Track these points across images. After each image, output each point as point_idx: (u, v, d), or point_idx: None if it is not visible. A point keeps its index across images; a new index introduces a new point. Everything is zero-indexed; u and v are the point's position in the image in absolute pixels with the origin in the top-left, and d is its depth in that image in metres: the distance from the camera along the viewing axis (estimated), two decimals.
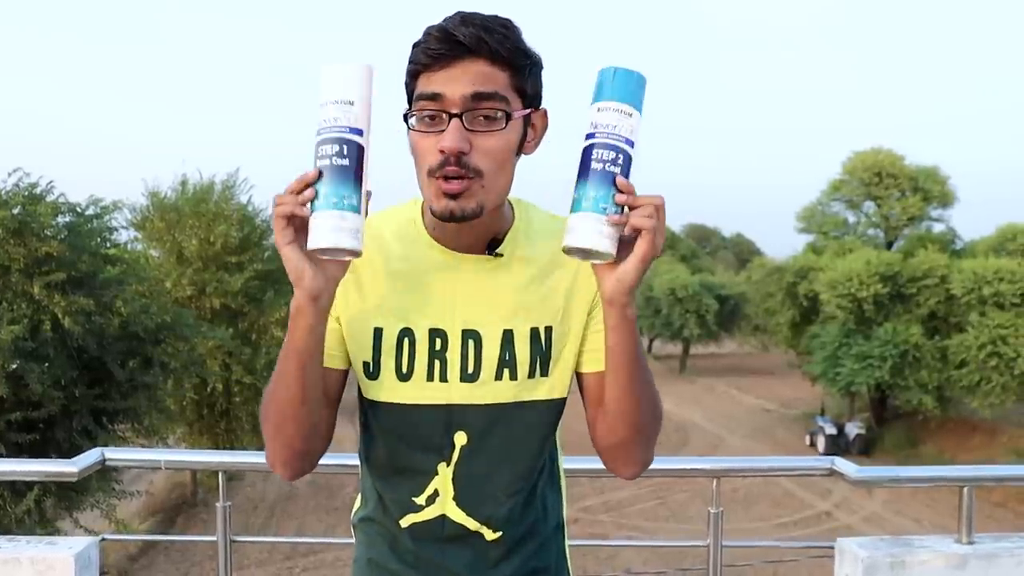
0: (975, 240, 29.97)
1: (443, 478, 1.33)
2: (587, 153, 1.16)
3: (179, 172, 19.64)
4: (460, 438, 1.32)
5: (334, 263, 1.16)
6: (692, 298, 39.92)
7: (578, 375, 1.38)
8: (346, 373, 1.36)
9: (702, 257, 55.95)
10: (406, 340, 1.32)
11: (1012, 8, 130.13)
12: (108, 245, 11.36)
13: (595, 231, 1.13)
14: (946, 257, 26.75)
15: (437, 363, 1.32)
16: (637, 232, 1.15)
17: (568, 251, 1.17)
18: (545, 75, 1.30)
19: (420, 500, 1.34)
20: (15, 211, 9.62)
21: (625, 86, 1.16)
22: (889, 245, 31.02)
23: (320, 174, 1.10)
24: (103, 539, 2.70)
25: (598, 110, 1.16)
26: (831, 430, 25.94)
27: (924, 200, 30.37)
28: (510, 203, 1.36)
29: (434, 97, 1.20)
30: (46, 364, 9.39)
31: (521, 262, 1.34)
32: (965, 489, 2.69)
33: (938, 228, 31.41)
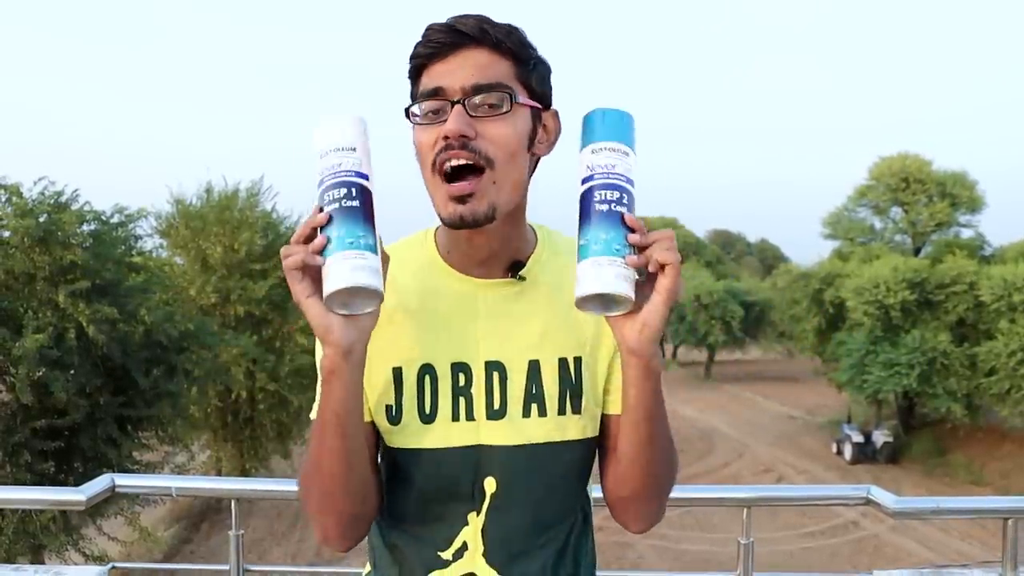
0: (1004, 246, 29.57)
1: (473, 529, 1.22)
2: (588, 196, 1.07)
3: (204, 179, 19.76)
4: (490, 484, 1.21)
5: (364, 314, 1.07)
6: (717, 304, 39.73)
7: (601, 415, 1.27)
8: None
9: (727, 263, 55.68)
10: (427, 377, 1.21)
11: None
12: (133, 253, 11.45)
13: (613, 275, 1.03)
14: (975, 263, 26.36)
15: (462, 400, 1.21)
16: (655, 271, 1.05)
17: (583, 303, 1.06)
18: (560, 79, 1.22)
19: (447, 555, 1.23)
20: (41, 219, 9.70)
21: (617, 126, 1.09)
22: (916, 251, 30.71)
23: (330, 218, 1.03)
24: (112, 567, 2.64)
25: (592, 152, 1.08)
26: (858, 438, 25.64)
27: (952, 206, 30.05)
28: (532, 227, 1.27)
29: (435, 92, 1.14)
30: (71, 372, 9.49)
31: (546, 287, 1.23)
32: (1010, 521, 2.53)
33: (966, 234, 31.05)
